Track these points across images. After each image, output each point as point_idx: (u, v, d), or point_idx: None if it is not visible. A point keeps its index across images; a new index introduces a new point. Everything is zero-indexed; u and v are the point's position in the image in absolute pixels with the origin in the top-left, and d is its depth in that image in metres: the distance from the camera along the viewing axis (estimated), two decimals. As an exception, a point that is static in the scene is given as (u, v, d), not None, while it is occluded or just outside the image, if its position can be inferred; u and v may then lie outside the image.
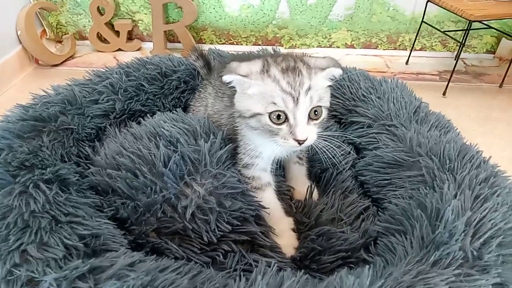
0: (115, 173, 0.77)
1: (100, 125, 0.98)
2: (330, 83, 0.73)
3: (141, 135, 0.86)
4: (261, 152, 0.78)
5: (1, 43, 1.65)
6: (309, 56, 0.74)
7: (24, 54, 1.77)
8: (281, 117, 0.66)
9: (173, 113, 0.96)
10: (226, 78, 0.69)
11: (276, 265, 0.65)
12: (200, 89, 1.05)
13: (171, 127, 0.87)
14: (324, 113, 0.70)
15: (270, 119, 0.67)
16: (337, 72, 0.71)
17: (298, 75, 0.66)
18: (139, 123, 0.94)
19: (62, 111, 0.92)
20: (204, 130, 0.87)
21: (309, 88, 0.65)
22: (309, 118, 0.67)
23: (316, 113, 0.68)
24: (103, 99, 1.01)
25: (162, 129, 0.86)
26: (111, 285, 0.52)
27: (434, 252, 0.61)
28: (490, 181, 0.72)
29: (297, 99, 0.65)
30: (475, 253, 0.60)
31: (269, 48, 1.30)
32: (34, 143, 0.80)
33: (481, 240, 0.62)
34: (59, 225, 0.65)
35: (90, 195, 0.77)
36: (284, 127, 0.67)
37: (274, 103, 0.65)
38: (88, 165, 0.85)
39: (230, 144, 0.84)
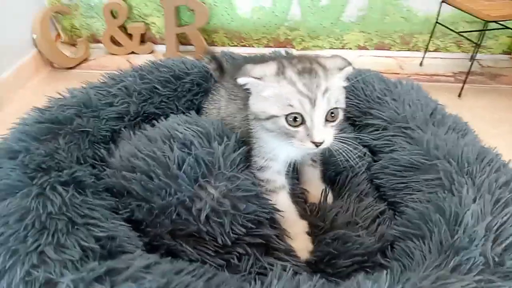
0: (130, 175, 0.78)
1: (115, 128, 0.98)
2: (345, 84, 0.72)
3: (155, 137, 0.86)
4: (276, 155, 0.78)
5: (17, 47, 1.68)
6: (322, 58, 0.74)
7: (39, 58, 1.80)
8: (297, 119, 0.65)
9: (186, 115, 0.96)
10: (241, 80, 0.69)
11: (291, 268, 0.64)
12: (213, 92, 1.05)
13: (185, 129, 0.87)
14: (341, 115, 0.69)
15: (287, 121, 0.66)
16: (351, 70, 0.72)
17: (315, 76, 0.65)
18: (153, 125, 0.95)
19: (77, 114, 0.92)
20: (217, 132, 0.87)
21: (326, 90, 0.65)
22: (326, 120, 0.66)
23: (333, 115, 0.67)
24: (117, 102, 1.01)
25: (176, 132, 0.86)
26: (127, 287, 0.52)
27: (453, 257, 0.60)
28: (510, 185, 0.71)
29: (314, 101, 0.64)
30: (496, 259, 0.59)
31: (281, 51, 1.30)
32: (50, 146, 0.81)
33: (503, 245, 0.60)
34: (75, 227, 0.65)
35: (106, 197, 0.77)
36: (301, 129, 0.66)
37: (291, 105, 0.65)
38: (104, 167, 0.85)
39: (244, 147, 0.84)
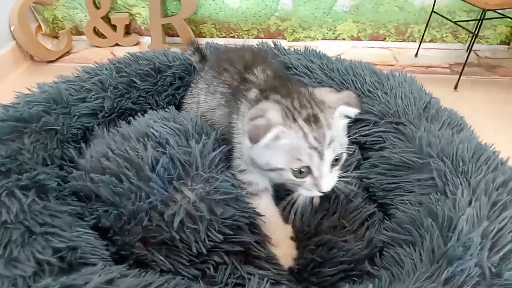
0: (98, 177, 0.72)
1: (88, 125, 0.92)
2: (346, 121, 0.68)
3: (129, 135, 0.81)
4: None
5: (-6, 39, 1.61)
6: (318, 89, 0.69)
7: (18, 50, 1.72)
8: (304, 171, 0.62)
9: (165, 111, 0.90)
10: (268, 137, 0.59)
11: (269, 280, 0.59)
12: (192, 85, 0.99)
13: (161, 126, 0.81)
14: (344, 156, 0.66)
15: (293, 173, 0.62)
16: (353, 111, 0.65)
17: (321, 126, 0.61)
18: (129, 122, 0.89)
19: (46, 111, 0.86)
20: (196, 130, 0.81)
21: (331, 140, 0.61)
22: (332, 165, 0.63)
23: (337, 158, 0.63)
24: (91, 97, 0.95)
25: (152, 129, 0.80)
26: (81, 308, 0.47)
27: (446, 268, 0.55)
28: (509, 186, 0.65)
29: (323, 154, 0.60)
30: (493, 269, 0.54)
31: (270, 42, 1.23)
32: (13, 146, 0.75)
33: (500, 254, 0.55)
34: (32, 236, 0.59)
35: (71, 202, 0.71)
36: (307, 179, 0.63)
37: (300, 160, 0.60)
38: (72, 168, 0.79)
39: (224, 146, 0.78)
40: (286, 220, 0.75)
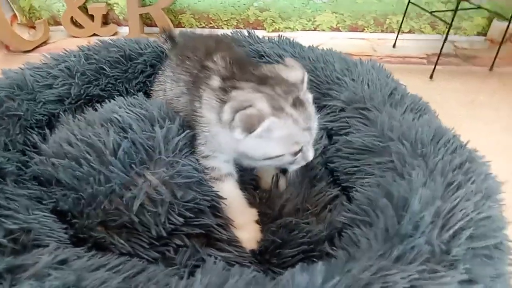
0: (59, 161, 0.71)
1: (53, 111, 0.91)
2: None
3: (94, 121, 0.80)
4: (221, 148, 0.72)
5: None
6: (276, 67, 0.72)
7: (-8, 40, 1.69)
8: (298, 150, 0.66)
9: (133, 98, 0.90)
10: (264, 126, 0.60)
11: (225, 261, 0.59)
12: (160, 72, 0.98)
13: (126, 112, 0.80)
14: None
15: (291, 155, 0.67)
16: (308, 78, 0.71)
17: (305, 106, 0.66)
18: (96, 109, 0.88)
19: (9, 96, 0.85)
20: (161, 115, 0.81)
21: (314, 116, 0.67)
22: None
23: None
24: (57, 84, 0.94)
25: (116, 115, 0.79)
26: (26, 286, 0.46)
27: (397, 246, 0.55)
28: (465, 167, 0.66)
29: (311, 130, 0.66)
30: (442, 246, 0.54)
31: (244, 31, 1.23)
32: (-28, 131, 0.74)
33: (451, 232, 0.56)
34: (-15, 219, 0.58)
35: (31, 186, 0.71)
36: (299, 156, 0.68)
37: (297, 142, 0.65)
38: (35, 154, 0.78)
39: (188, 131, 0.78)
40: (251, 204, 0.75)
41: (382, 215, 0.61)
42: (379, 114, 0.80)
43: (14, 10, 1.88)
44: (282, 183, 0.82)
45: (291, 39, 1.19)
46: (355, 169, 0.77)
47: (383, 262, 0.54)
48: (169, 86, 0.88)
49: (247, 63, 0.78)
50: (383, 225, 0.60)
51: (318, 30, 1.95)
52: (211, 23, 1.95)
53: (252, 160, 0.70)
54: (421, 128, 0.73)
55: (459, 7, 1.52)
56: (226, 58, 0.76)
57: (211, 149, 0.73)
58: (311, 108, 0.67)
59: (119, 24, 1.95)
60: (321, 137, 0.90)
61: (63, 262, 0.54)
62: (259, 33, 1.22)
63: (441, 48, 1.54)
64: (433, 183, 0.62)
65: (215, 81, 0.71)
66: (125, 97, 0.90)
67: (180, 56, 0.88)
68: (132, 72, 1.07)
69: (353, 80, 0.94)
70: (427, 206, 0.59)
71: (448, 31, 1.49)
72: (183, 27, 1.94)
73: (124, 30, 1.94)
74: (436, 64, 1.57)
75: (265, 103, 0.62)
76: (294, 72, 0.70)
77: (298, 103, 0.64)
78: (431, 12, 1.63)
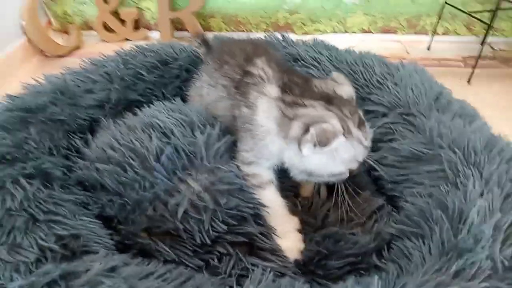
0: (103, 167, 0.71)
1: (94, 116, 0.92)
2: None
3: (135, 126, 0.80)
4: (269, 155, 0.72)
5: (4, 34, 1.62)
6: (328, 83, 0.73)
7: (28, 45, 1.73)
8: None
9: (171, 103, 0.90)
10: (337, 143, 0.62)
11: (274, 271, 0.58)
12: (196, 76, 0.98)
13: (166, 117, 0.80)
14: None
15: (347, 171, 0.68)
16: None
17: (365, 125, 0.68)
18: (135, 114, 0.88)
19: (52, 101, 0.86)
20: (201, 121, 0.80)
21: (371, 133, 0.69)
22: None
23: None
24: (97, 89, 0.95)
25: (157, 120, 0.79)
26: (82, 295, 0.46)
27: (456, 261, 0.53)
28: (523, 178, 0.63)
29: (369, 147, 0.68)
30: (506, 263, 0.52)
31: (278, 35, 1.21)
32: (19, 135, 0.75)
33: (513, 247, 0.53)
34: (36, 224, 0.59)
35: (77, 192, 0.71)
36: None
37: (357, 160, 0.67)
38: (78, 158, 0.79)
39: (229, 135, 0.77)
40: (292, 212, 0.74)
41: (437, 227, 0.58)
42: (427, 120, 0.77)
43: (49, 15, 1.93)
44: (324, 191, 0.80)
45: (326, 42, 1.17)
46: (402, 177, 0.74)
47: (442, 278, 0.52)
48: (206, 91, 0.87)
49: (289, 69, 0.77)
50: (438, 238, 0.57)
51: (349, 32, 1.92)
52: (240, 27, 1.95)
53: (309, 175, 0.69)
54: (473, 135, 0.70)
55: (499, 7, 1.47)
56: (271, 64, 0.75)
57: (257, 155, 0.72)
58: (368, 125, 0.69)
59: (149, 28, 1.97)
60: (363, 143, 0.88)
61: (113, 269, 0.54)
62: (289, 36, 1.21)
63: (481, 51, 1.48)
64: (490, 195, 0.59)
65: (273, 90, 0.71)
66: (163, 102, 0.90)
67: (218, 60, 0.87)
68: (168, 77, 1.07)
69: (395, 84, 0.91)
70: (486, 219, 0.56)
71: (488, 32, 1.44)
72: (213, 31, 1.94)
73: (154, 35, 1.96)
74: (474, 67, 1.51)
75: (338, 122, 0.63)
76: (347, 88, 0.71)
77: (361, 123, 0.67)
78: (468, 13, 1.57)
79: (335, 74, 0.75)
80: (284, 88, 0.71)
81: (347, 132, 0.63)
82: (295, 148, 0.65)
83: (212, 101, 0.84)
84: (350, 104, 0.69)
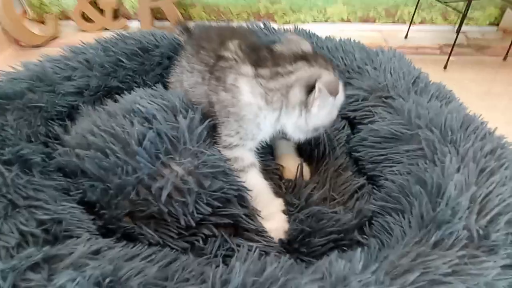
0: (84, 153, 0.70)
1: (73, 103, 0.90)
2: None
3: (115, 112, 0.79)
4: (256, 135, 0.74)
5: (-23, 23, 1.56)
6: (291, 42, 0.75)
7: (3, 35, 1.68)
8: None
9: (152, 89, 0.89)
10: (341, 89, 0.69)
11: (258, 249, 0.58)
12: (175, 63, 0.97)
13: (148, 103, 0.79)
14: None
15: None
16: None
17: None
18: (115, 101, 0.87)
19: (30, 88, 0.84)
20: (183, 106, 0.80)
21: None
22: None
23: None
24: (76, 76, 0.93)
25: (138, 106, 0.78)
26: (66, 276, 0.46)
27: (435, 232, 0.55)
28: (497, 153, 0.65)
29: None
30: (481, 232, 0.54)
31: (260, 23, 1.21)
32: (-4, 122, 0.73)
33: (488, 217, 0.55)
34: (16, 209, 0.58)
35: (57, 178, 0.70)
36: None
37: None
38: (57, 145, 0.78)
39: (209, 119, 0.77)
40: (277, 193, 0.75)
41: (416, 202, 0.60)
42: (405, 102, 0.79)
43: (24, 5, 1.87)
44: (306, 172, 0.81)
45: (308, 30, 1.18)
46: (382, 157, 0.76)
47: (421, 248, 0.54)
48: (185, 77, 0.87)
49: (263, 47, 0.77)
50: (417, 212, 0.59)
51: (329, 22, 1.93)
52: (221, 16, 1.94)
53: (314, 131, 0.72)
54: (450, 115, 0.72)
55: (473, -4, 1.50)
56: (242, 46, 0.75)
57: (243, 137, 0.72)
58: None
59: (129, 18, 1.93)
60: (344, 126, 0.90)
61: (97, 252, 0.54)
62: (271, 24, 1.21)
63: (456, 39, 1.52)
64: (466, 169, 0.62)
65: (248, 69, 0.72)
66: (145, 88, 0.89)
67: (195, 46, 0.87)
68: (149, 64, 1.06)
69: (374, 68, 0.92)
70: (462, 192, 0.58)
71: (462, 21, 1.47)
72: (193, 20, 1.93)
73: (134, 24, 1.93)
74: (450, 54, 1.55)
75: (329, 72, 0.68)
76: (307, 43, 0.74)
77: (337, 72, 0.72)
78: (444, 2, 1.61)
79: (289, 34, 0.78)
80: (258, 65, 0.72)
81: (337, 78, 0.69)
82: (297, 113, 0.68)
83: (189, 87, 0.84)
84: (321, 56, 0.71)
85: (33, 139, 0.76)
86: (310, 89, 0.66)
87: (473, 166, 0.62)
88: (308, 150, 0.86)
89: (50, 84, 0.88)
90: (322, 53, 0.76)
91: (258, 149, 0.78)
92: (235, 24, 1.19)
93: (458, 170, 0.62)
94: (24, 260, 0.47)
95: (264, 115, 0.71)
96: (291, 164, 0.82)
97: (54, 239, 0.57)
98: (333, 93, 0.66)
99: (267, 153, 0.84)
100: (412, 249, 0.54)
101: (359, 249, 0.53)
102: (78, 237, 0.57)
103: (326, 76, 0.67)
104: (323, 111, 0.68)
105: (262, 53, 0.74)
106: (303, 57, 0.70)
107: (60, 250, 0.51)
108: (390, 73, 0.90)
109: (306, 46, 0.74)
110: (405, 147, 0.73)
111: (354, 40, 1.09)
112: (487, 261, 0.51)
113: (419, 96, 0.81)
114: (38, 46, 1.76)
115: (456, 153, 0.65)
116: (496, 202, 0.57)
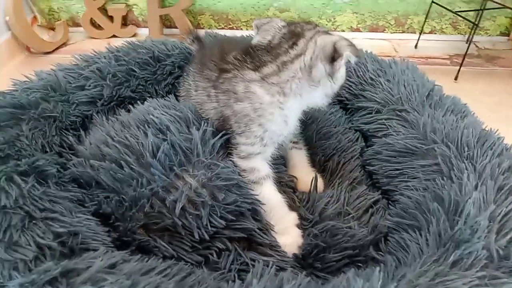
0: (98, 164, 0.70)
1: (87, 113, 0.91)
2: None
3: (129, 123, 0.79)
4: (282, 133, 0.74)
5: (-11, 29, 1.58)
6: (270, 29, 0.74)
7: (14, 42, 1.69)
8: None
9: (165, 99, 0.89)
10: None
11: (274, 265, 0.58)
12: (184, 77, 0.97)
13: (162, 114, 0.80)
14: None
15: None
16: None
17: None
18: (128, 110, 0.87)
19: (44, 98, 0.84)
20: (196, 117, 0.80)
21: None
22: None
23: None
24: (89, 85, 0.93)
25: (152, 116, 0.78)
26: (85, 292, 0.46)
27: (453, 251, 0.54)
28: (514, 170, 0.65)
29: None
30: (501, 252, 0.53)
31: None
32: (11, 132, 0.73)
33: (508, 237, 0.55)
34: (33, 221, 0.58)
35: (72, 189, 0.70)
36: None
37: None
38: (71, 155, 0.78)
39: (223, 131, 0.76)
40: (290, 207, 0.74)
41: (434, 219, 0.60)
42: (420, 116, 0.79)
43: (35, 12, 1.89)
44: (321, 184, 0.81)
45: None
46: (397, 172, 0.75)
47: (440, 268, 0.53)
48: (191, 95, 0.87)
49: (252, 48, 0.75)
50: (435, 230, 0.59)
51: (338, 31, 1.93)
52: (230, 24, 1.95)
53: (333, 95, 0.74)
54: (466, 130, 0.72)
55: (485, 7, 1.50)
56: (237, 56, 0.74)
57: (267, 142, 0.72)
58: None
59: (138, 25, 1.95)
60: (357, 138, 0.89)
61: (113, 266, 0.54)
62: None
63: (467, 49, 1.51)
64: (484, 187, 0.61)
65: (251, 75, 0.71)
66: (158, 99, 0.90)
67: (198, 64, 0.87)
68: (161, 74, 1.06)
69: (388, 81, 0.92)
70: (481, 211, 0.57)
71: (474, 31, 1.47)
72: (202, 28, 1.94)
73: (143, 32, 1.94)
74: (461, 65, 1.55)
75: (328, 35, 0.70)
76: (277, 21, 0.73)
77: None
78: (455, 12, 1.60)
79: (257, 22, 0.76)
80: (258, 67, 0.71)
81: None
82: (324, 85, 0.70)
83: (197, 104, 0.83)
84: (303, 24, 0.72)
85: (48, 150, 0.77)
86: (331, 59, 0.67)
87: (491, 183, 0.61)
88: (322, 161, 0.85)
89: (63, 94, 0.88)
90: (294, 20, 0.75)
91: (271, 159, 0.77)
92: (239, 33, 1.19)
93: (476, 187, 0.61)
94: (42, 275, 0.47)
95: (288, 107, 0.71)
96: (304, 175, 0.81)
97: (70, 252, 0.57)
98: (354, 51, 0.66)
99: (280, 164, 0.84)
100: (430, 268, 0.53)
101: (377, 268, 0.52)
102: (94, 250, 0.57)
103: (338, 41, 0.67)
104: (342, 72, 0.71)
105: (255, 54, 0.72)
106: (295, 35, 0.70)
107: (78, 264, 0.51)
108: (404, 85, 0.89)
109: (281, 23, 0.73)
110: (420, 162, 0.72)
111: (367, 51, 1.09)
112: (508, 282, 0.50)
113: (434, 110, 0.81)
114: (48, 53, 1.78)
115: (473, 170, 0.65)
116: (515, 222, 0.56)
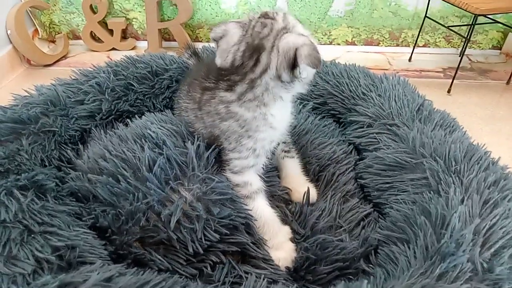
0: (96, 178, 0.72)
1: (85, 127, 0.93)
2: None
3: (126, 137, 0.81)
4: (265, 147, 0.74)
5: (-10, 43, 1.61)
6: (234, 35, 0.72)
7: (15, 54, 1.72)
8: None
9: (162, 114, 0.91)
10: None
11: (267, 278, 0.60)
12: (178, 94, 0.98)
13: (158, 128, 0.82)
14: None
15: None
16: None
17: None
18: (126, 124, 0.89)
19: (44, 112, 0.86)
20: (190, 132, 0.82)
21: None
22: None
23: None
24: (88, 100, 0.95)
25: (149, 131, 0.80)
26: (80, 305, 0.47)
27: (439, 264, 0.56)
28: (500, 185, 0.67)
29: None
30: (485, 265, 0.55)
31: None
32: (11, 147, 0.75)
33: (492, 250, 0.56)
34: (31, 235, 0.60)
35: (70, 202, 0.72)
36: None
37: None
38: (70, 169, 0.80)
39: (215, 144, 0.78)
40: (283, 220, 0.76)
41: (421, 233, 0.61)
42: (409, 131, 0.81)
43: (36, 25, 1.92)
44: (314, 195, 0.82)
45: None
46: (387, 185, 0.77)
47: (426, 280, 0.54)
48: (183, 114, 0.88)
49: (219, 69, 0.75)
50: (422, 243, 0.60)
51: (334, 44, 1.97)
52: (227, 37, 1.98)
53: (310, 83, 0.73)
54: (453, 144, 0.74)
55: (476, 22, 1.54)
56: (214, 76, 0.75)
57: (258, 152, 0.73)
58: None
59: (137, 38, 1.98)
60: (351, 151, 0.91)
61: (109, 279, 0.55)
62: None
63: (459, 63, 1.55)
64: (470, 201, 0.63)
65: (227, 96, 0.71)
66: (155, 113, 0.92)
67: (186, 85, 0.89)
68: (159, 88, 1.09)
69: (379, 95, 0.95)
70: (466, 224, 0.59)
71: (466, 45, 1.50)
72: (201, 41, 1.97)
73: (142, 45, 1.97)
74: (454, 78, 1.58)
75: (289, 34, 0.67)
76: (233, 31, 0.71)
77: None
78: (447, 27, 1.64)
79: (213, 35, 0.73)
80: (230, 87, 0.71)
81: None
82: (298, 82, 0.69)
83: (190, 123, 0.84)
84: (258, 26, 0.69)
85: (47, 164, 0.78)
86: (292, 65, 0.65)
87: (476, 197, 0.63)
88: (317, 171, 0.87)
89: (63, 108, 0.91)
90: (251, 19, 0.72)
91: (263, 171, 0.79)
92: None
93: (462, 201, 0.63)
94: (41, 288, 0.49)
95: (273, 113, 0.71)
96: (298, 186, 0.82)
97: (68, 265, 0.58)
98: (316, 64, 0.62)
99: (274, 176, 0.85)
100: (417, 281, 0.55)
101: (365, 281, 0.54)
102: (91, 263, 0.59)
103: (300, 48, 0.63)
104: (308, 70, 0.67)
105: (225, 74, 0.72)
106: (255, 50, 0.68)
107: (75, 278, 0.53)
108: (395, 100, 0.92)
109: (236, 33, 0.70)
110: (409, 176, 0.74)
111: (359, 66, 1.12)
112: (491, 295, 0.51)
113: (423, 124, 0.83)
114: (48, 66, 1.81)
115: (460, 184, 0.67)
116: (500, 235, 0.58)
